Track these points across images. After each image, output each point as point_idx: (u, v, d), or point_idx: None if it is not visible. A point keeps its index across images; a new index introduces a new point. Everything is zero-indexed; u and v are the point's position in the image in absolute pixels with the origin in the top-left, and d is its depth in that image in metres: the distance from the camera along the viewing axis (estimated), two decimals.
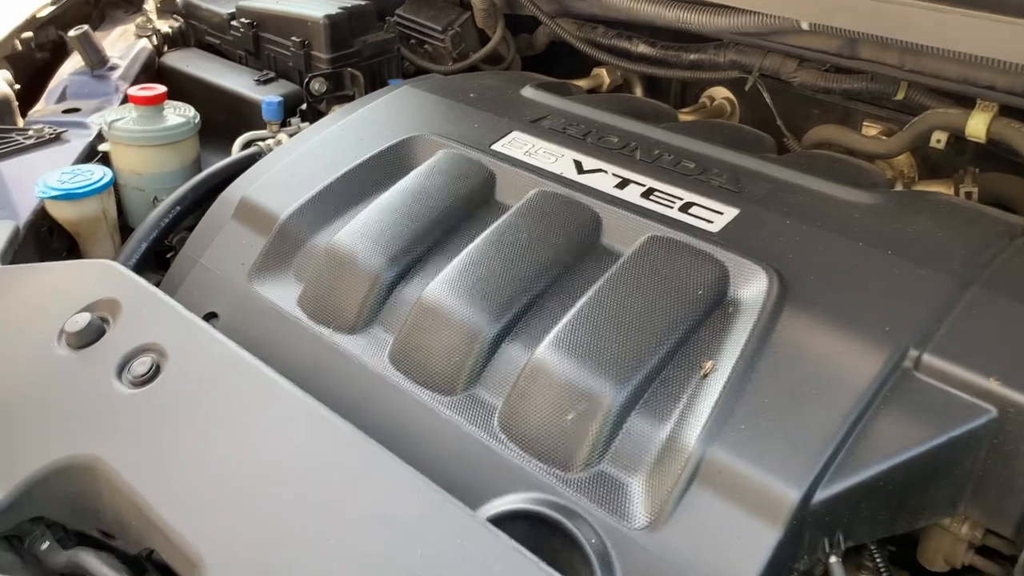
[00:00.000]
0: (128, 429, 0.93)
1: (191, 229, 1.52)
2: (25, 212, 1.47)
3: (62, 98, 1.82)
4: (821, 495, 0.89)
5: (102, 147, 1.64)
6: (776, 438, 0.92)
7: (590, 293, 1.10)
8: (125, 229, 1.62)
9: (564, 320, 1.07)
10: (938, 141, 1.55)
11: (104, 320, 1.07)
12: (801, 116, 1.74)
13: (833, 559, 0.93)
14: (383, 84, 1.82)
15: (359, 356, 1.16)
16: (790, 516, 0.88)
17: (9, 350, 1.08)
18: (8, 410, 1.00)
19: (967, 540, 1.04)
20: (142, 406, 0.95)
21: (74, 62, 1.90)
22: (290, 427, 0.90)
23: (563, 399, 1.01)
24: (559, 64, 1.98)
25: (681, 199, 1.23)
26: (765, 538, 0.87)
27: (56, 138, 1.64)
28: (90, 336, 1.04)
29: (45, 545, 0.95)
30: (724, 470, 0.91)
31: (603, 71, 1.94)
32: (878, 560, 1.04)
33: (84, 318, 1.05)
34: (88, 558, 0.91)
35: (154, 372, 0.98)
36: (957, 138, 1.49)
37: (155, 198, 1.60)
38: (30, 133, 1.64)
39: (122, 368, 1.00)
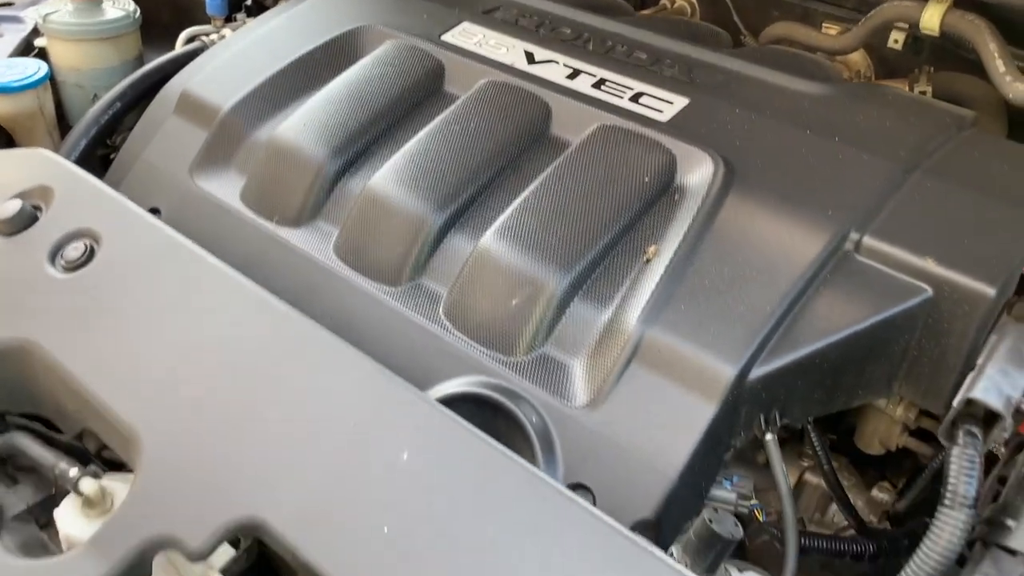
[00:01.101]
0: (62, 313, 0.91)
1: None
2: None
3: None
4: (757, 372, 0.90)
5: (38, 42, 1.57)
6: (714, 318, 0.93)
7: (537, 182, 1.08)
8: (66, 130, 1.57)
9: (510, 208, 1.06)
10: (895, 41, 1.53)
11: (37, 207, 1.04)
12: (760, 17, 1.71)
13: (768, 436, 0.94)
14: None
15: (304, 249, 1.14)
16: (726, 392, 0.89)
17: None
18: None
19: (901, 422, 1.07)
20: (76, 290, 0.93)
21: None
22: (225, 307, 0.89)
23: (507, 285, 1.01)
24: None
25: (632, 89, 1.21)
26: (701, 413, 0.89)
27: None
28: (22, 222, 1.01)
29: None
30: (662, 349, 0.92)
31: None
32: (818, 449, 1.07)
33: (15, 204, 1.02)
34: (23, 440, 0.90)
35: (88, 256, 0.95)
36: (915, 39, 1.47)
37: (95, 96, 1.55)
38: None
39: (55, 253, 0.97)
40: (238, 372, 0.83)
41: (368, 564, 0.68)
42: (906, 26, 1.44)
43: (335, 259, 1.12)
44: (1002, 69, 1.23)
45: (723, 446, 0.93)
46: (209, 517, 0.73)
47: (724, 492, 0.98)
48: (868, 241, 0.97)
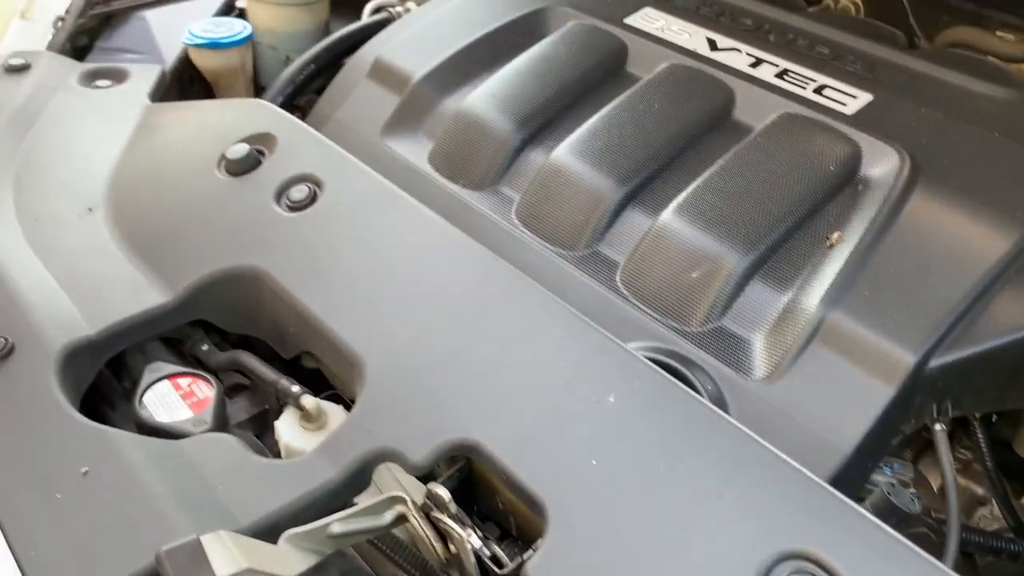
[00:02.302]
0: (288, 246, 1.01)
1: (318, 92, 1.58)
2: (170, 58, 1.55)
3: None
4: (937, 361, 0.93)
5: (240, 3, 1.70)
6: (898, 305, 0.95)
7: (720, 162, 1.13)
8: (257, 88, 1.69)
9: (693, 185, 1.11)
10: None
11: (260, 152, 1.14)
12: (931, 21, 1.70)
13: (939, 427, 0.97)
14: None
15: (487, 211, 1.22)
16: (905, 378, 0.92)
17: (172, 174, 1.17)
18: (174, 226, 1.09)
19: None
20: (301, 228, 1.03)
21: None
22: (440, 251, 0.97)
23: (687, 259, 1.05)
24: None
25: (815, 81, 1.23)
26: (878, 396, 0.92)
27: None
28: (249, 164, 1.11)
29: (205, 347, 1.05)
30: (844, 331, 0.95)
31: None
32: (982, 445, 1.08)
33: (243, 147, 1.12)
34: (247, 357, 1.00)
35: (311, 198, 1.05)
36: None
37: (287, 57, 1.67)
38: None
39: (280, 194, 1.07)
40: (453, 310, 0.91)
41: (575, 489, 0.74)
42: None
43: (516, 223, 1.19)
44: None
45: (893, 431, 0.96)
46: (429, 436, 0.80)
47: (884, 478, 1.01)
48: None
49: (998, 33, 1.64)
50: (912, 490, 1.04)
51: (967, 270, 0.97)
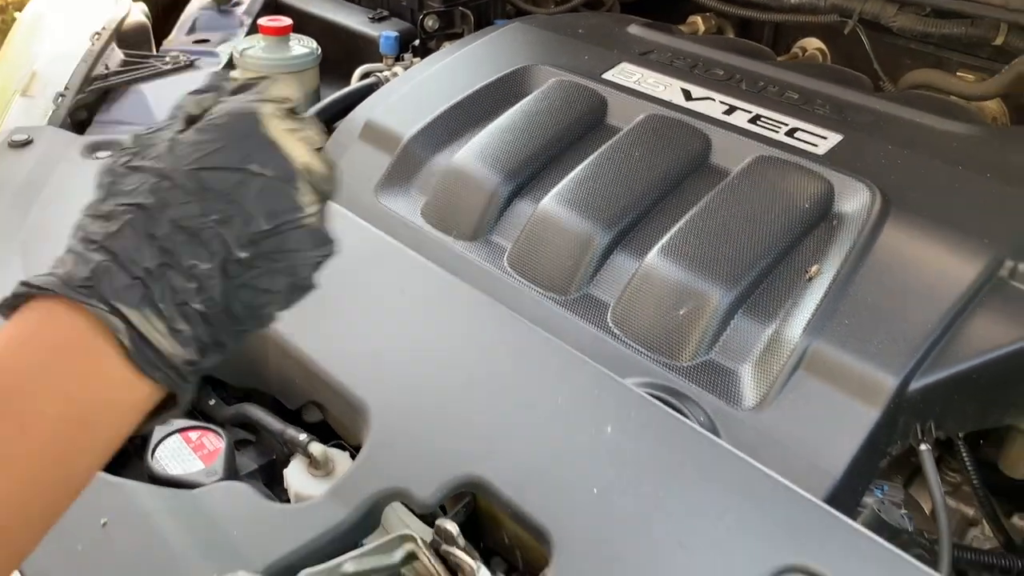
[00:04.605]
0: None
1: None
2: None
3: (192, 30, 1.95)
4: (917, 383, 0.97)
5: (232, 75, 1.76)
6: (877, 331, 1.00)
7: (700, 205, 1.18)
8: None
9: (676, 227, 1.16)
10: None
11: None
12: (893, 65, 1.78)
13: (924, 447, 1.00)
14: (488, 24, 1.91)
15: (479, 261, 1.26)
16: (888, 400, 0.96)
17: None
18: None
19: None
20: None
21: None
22: (436, 298, 1.01)
23: (674, 297, 1.10)
24: (656, 11, 2.05)
25: (787, 125, 1.30)
26: (864, 419, 0.96)
27: (190, 65, 1.78)
28: None
29: (212, 402, 1.08)
30: (827, 359, 1.00)
31: (699, 19, 2.00)
32: (968, 464, 1.11)
33: None
34: (254, 409, 1.03)
35: None
36: None
37: None
38: (167, 59, 1.78)
39: None
40: (453, 354, 0.95)
41: (578, 517, 0.77)
42: None
43: (509, 270, 1.24)
44: None
45: (880, 454, 1.00)
46: (435, 474, 0.83)
47: (875, 499, 1.05)
48: (1023, 269, 1.03)
49: (958, 73, 1.72)
50: (904, 510, 1.08)
51: (940, 296, 1.02)
